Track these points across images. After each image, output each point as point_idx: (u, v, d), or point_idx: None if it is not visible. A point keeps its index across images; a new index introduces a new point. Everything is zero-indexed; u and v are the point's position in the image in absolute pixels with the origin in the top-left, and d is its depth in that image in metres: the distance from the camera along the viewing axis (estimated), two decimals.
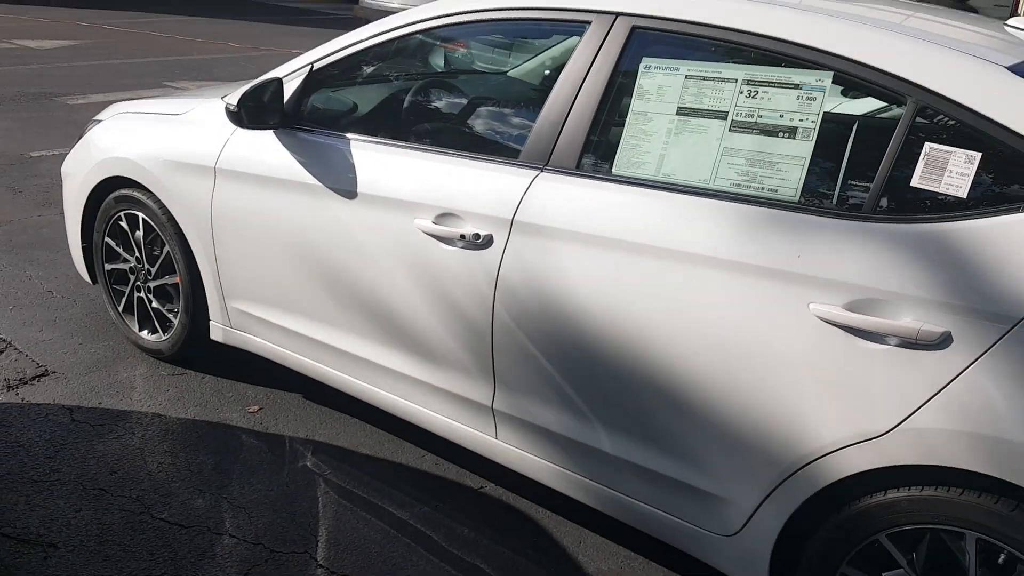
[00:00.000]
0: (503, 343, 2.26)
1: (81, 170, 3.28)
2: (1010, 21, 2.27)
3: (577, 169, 2.16)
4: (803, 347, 1.80)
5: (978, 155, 1.71)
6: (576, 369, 2.15)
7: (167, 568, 2.27)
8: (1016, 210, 1.66)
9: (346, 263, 2.53)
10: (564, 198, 2.14)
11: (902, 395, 1.70)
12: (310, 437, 2.90)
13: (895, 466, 1.73)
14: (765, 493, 1.92)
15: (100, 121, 3.32)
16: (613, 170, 2.13)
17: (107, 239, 3.29)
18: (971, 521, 1.68)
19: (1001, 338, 1.61)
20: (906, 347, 1.69)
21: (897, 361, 1.71)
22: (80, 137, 3.38)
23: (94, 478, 2.60)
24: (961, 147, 1.73)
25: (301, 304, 2.71)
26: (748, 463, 1.93)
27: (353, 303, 2.57)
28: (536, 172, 2.21)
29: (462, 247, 2.27)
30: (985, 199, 1.70)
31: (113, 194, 3.18)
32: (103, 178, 3.17)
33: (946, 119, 1.76)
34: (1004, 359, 1.61)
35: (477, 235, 2.23)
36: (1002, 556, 1.69)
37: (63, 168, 3.42)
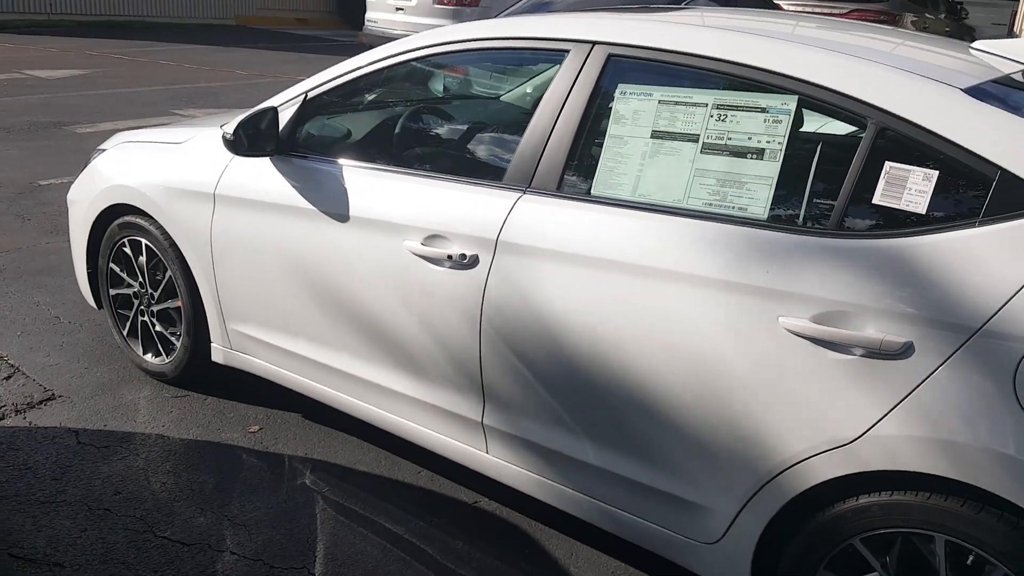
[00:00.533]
0: (491, 359, 2.34)
1: (86, 198, 3.38)
2: (975, 44, 2.34)
3: (558, 191, 2.25)
4: (773, 359, 1.87)
5: (935, 173, 1.79)
6: (560, 384, 2.23)
7: None
8: (971, 225, 1.73)
9: (340, 284, 2.62)
10: (545, 219, 2.22)
11: (868, 403, 1.77)
12: (309, 456, 2.98)
13: (865, 472, 1.80)
14: (743, 501, 1.99)
15: (104, 150, 3.43)
16: (592, 191, 2.21)
17: (111, 265, 3.39)
18: (939, 524, 1.74)
19: (960, 347, 1.68)
20: (871, 357, 1.76)
21: (863, 371, 1.77)
22: (85, 166, 3.48)
23: (99, 498, 2.68)
24: (919, 166, 1.80)
25: (297, 325, 2.80)
26: (726, 472, 2.00)
27: (347, 323, 2.65)
28: (519, 194, 2.30)
29: (449, 267, 2.35)
30: (943, 215, 1.78)
31: (117, 221, 3.28)
32: (107, 205, 3.27)
33: (905, 139, 1.84)
34: (963, 367, 1.68)
35: (463, 255, 2.32)
36: (971, 557, 1.75)
37: (69, 196, 3.52)
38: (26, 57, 12.08)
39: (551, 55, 2.39)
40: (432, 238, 2.39)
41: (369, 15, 11.22)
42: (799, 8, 10.14)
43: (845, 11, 10.18)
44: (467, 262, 2.32)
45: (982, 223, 1.72)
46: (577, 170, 2.25)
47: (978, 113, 1.78)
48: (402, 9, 10.76)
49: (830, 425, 1.82)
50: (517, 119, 3.07)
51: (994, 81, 1.97)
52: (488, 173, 2.47)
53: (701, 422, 2.01)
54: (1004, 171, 1.72)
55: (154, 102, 9.18)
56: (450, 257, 2.34)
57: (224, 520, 2.62)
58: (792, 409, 1.87)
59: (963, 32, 13.27)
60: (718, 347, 1.94)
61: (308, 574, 2.41)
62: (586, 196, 2.21)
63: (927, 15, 11.57)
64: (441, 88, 3.53)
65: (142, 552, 2.46)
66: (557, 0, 7.69)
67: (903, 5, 10.79)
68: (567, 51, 2.33)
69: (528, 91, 3.22)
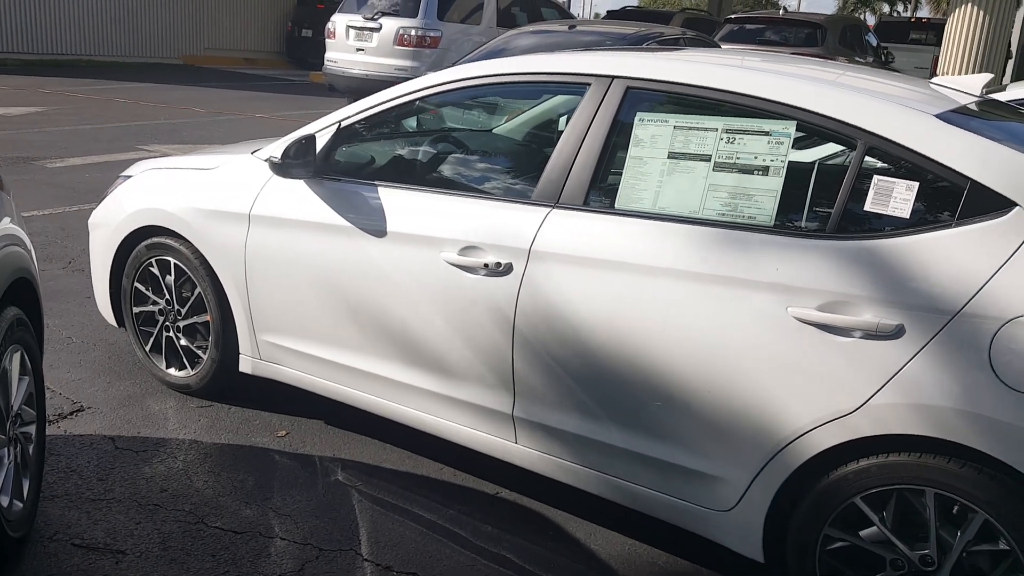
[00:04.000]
0: (522, 356, 2.62)
1: (111, 221, 3.57)
2: (934, 80, 2.75)
3: (585, 205, 2.56)
4: (783, 344, 2.20)
5: (916, 184, 2.15)
6: (588, 376, 2.52)
7: (229, 567, 2.54)
8: (948, 226, 2.09)
9: (375, 294, 2.87)
10: (574, 230, 2.53)
11: (865, 378, 2.10)
12: (337, 456, 3.20)
13: (863, 438, 2.12)
14: (756, 471, 2.29)
15: (129, 176, 3.64)
16: (616, 205, 2.53)
17: (136, 284, 3.58)
18: (929, 479, 2.07)
19: (943, 327, 2.03)
20: (868, 339, 2.10)
21: (861, 351, 2.11)
22: (109, 192, 3.68)
23: (146, 496, 2.86)
24: (903, 178, 2.17)
25: (332, 334, 3.04)
26: (739, 446, 2.30)
27: (382, 330, 2.91)
28: (548, 209, 2.60)
29: (485, 275, 2.64)
30: (924, 219, 2.14)
31: (144, 242, 3.48)
32: (136, 228, 3.47)
33: (890, 157, 2.20)
34: (946, 344, 2.02)
35: (499, 263, 2.61)
36: (956, 507, 2.08)
37: (91, 220, 3.71)
38: None
39: (574, 88, 2.72)
40: (467, 249, 2.67)
41: (329, 55, 11.49)
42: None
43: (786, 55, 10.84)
44: (502, 270, 2.61)
45: (957, 224, 2.08)
46: (601, 187, 2.57)
47: (950, 134, 2.16)
48: (362, 50, 11.07)
49: (832, 399, 2.14)
50: (533, 146, 3.39)
51: (955, 110, 2.36)
52: (517, 192, 2.76)
53: (717, 403, 2.31)
54: (974, 182, 2.09)
55: (119, 138, 9.28)
56: (486, 265, 2.62)
57: (269, 511, 2.82)
58: (799, 388, 2.19)
59: None
60: (734, 336, 2.26)
61: (355, 555, 2.64)
62: (611, 209, 2.52)
63: (856, 59, 12.35)
64: (464, 119, 3.84)
65: (197, 540, 2.65)
66: (513, 47, 8.06)
67: (836, 50, 11.53)
68: (588, 84, 2.66)
69: (534, 123, 3.55)
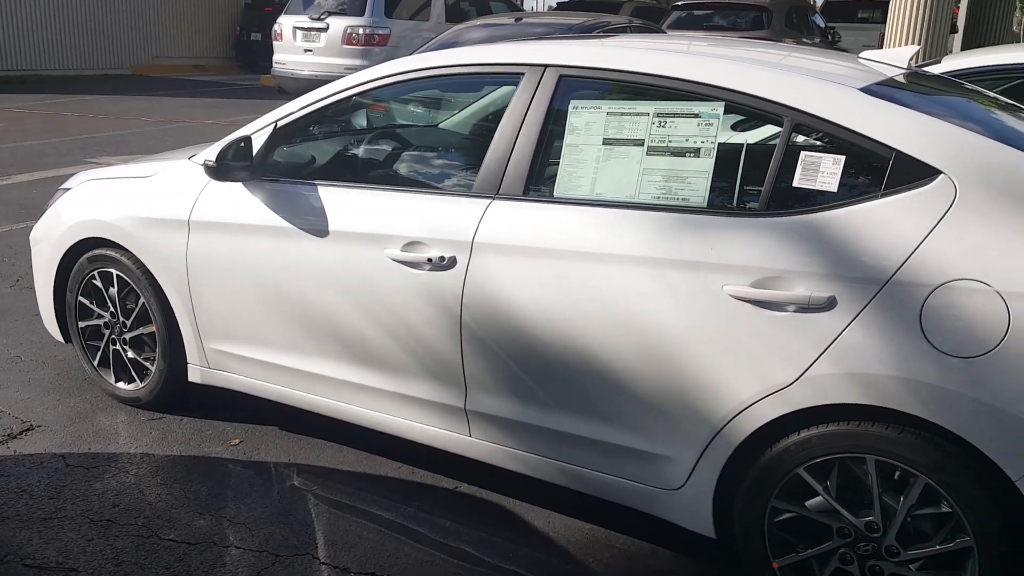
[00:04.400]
0: (471, 349, 2.62)
1: (52, 235, 3.51)
2: (863, 54, 2.78)
3: (524, 195, 2.56)
4: (722, 323, 2.22)
5: (842, 158, 2.18)
6: (534, 364, 2.52)
7: None
8: (875, 197, 2.12)
9: (321, 294, 2.86)
10: (515, 220, 2.53)
11: (803, 351, 2.13)
12: (292, 461, 3.18)
13: (803, 409, 2.15)
14: (702, 448, 2.32)
15: (68, 189, 3.58)
16: (554, 193, 2.53)
17: (81, 298, 3.52)
18: (869, 447, 2.10)
19: (874, 296, 2.06)
20: (802, 312, 2.13)
21: (796, 324, 2.13)
22: (49, 205, 3.62)
23: (98, 511, 2.82)
24: (829, 153, 2.19)
25: (279, 337, 3.01)
26: (684, 425, 2.32)
27: (330, 330, 2.89)
28: (489, 200, 2.60)
29: (429, 269, 2.63)
30: (851, 191, 2.17)
31: (86, 255, 3.43)
32: (76, 240, 3.42)
33: (816, 132, 2.23)
34: (877, 312, 2.05)
35: (443, 257, 2.60)
36: (897, 473, 2.11)
37: (32, 236, 3.65)
38: None
39: (507, 78, 2.72)
40: (411, 245, 2.66)
41: (277, 57, 11.39)
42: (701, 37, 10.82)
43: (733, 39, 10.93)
44: (445, 264, 2.60)
45: (884, 195, 2.11)
46: (540, 176, 2.58)
47: (873, 107, 2.19)
48: (310, 50, 10.99)
49: (770, 373, 2.17)
50: (472, 138, 3.39)
51: (880, 82, 2.40)
52: (458, 185, 2.76)
53: (660, 384, 2.33)
54: (898, 152, 2.12)
55: (66, 152, 9.13)
56: (430, 260, 2.62)
57: (224, 521, 2.80)
58: (738, 364, 2.21)
59: None
60: (673, 318, 2.28)
61: (312, 558, 2.62)
62: (550, 198, 2.53)
63: (804, 40, 12.48)
64: (401, 114, 3.83)
65: (151, 554, 2.62)
66: (460, 42, 8.05)
67: (782, 32, 11.64)
68: (522, 74, 2.66)
69: (486, 111, 3.54)
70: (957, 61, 4.11)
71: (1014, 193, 2.00)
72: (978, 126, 2.22)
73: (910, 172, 2.10)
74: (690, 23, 11.72)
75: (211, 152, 2.98)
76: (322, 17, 10.91)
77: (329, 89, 3.00)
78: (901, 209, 2.08)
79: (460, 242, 2.59)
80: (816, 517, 2.22)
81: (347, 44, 10.73)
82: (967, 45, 14.82)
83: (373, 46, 10.70)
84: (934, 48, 10.96)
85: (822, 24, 14.24)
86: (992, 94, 2.94)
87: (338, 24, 10.82)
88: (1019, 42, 14.05)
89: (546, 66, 2.63)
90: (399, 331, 2.74)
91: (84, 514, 2.80)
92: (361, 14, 10.83)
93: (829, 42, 13.78)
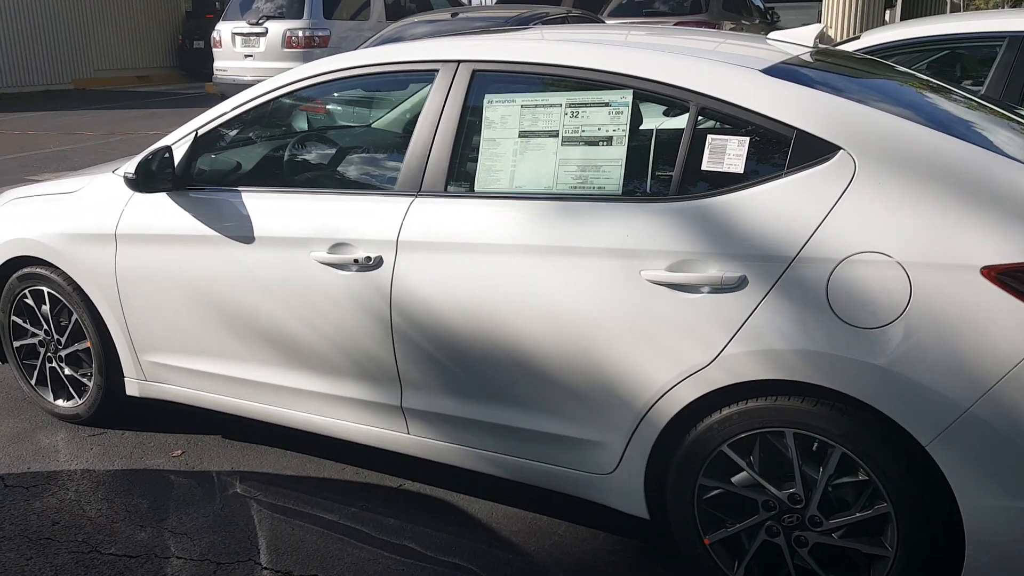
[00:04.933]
0: (403, 347, 2.64)
1: None
2: (771, 35, 2.84)
3: (445, 191, 2.58)
4: (641, 307, 2.26)
5: (747, 139, 2.23)
6: (464, 359, 2.55)
7: None
8: (779, 176, 2.17)
9: (251, 301, 2.85)
10: (436, 217, 2.55)
11: (717, 331, 2.17)
12: (236, 469, 3.17)
13: (721, 388, 2.20)
14: (630, 432, 2.36)
15: None
16: (475, 188, 2.55)
17: (13, 318, 3.48)
18: (787, 420, 2.16)
19: (782, 274, 2.11)
20: (715, 292, 2.17)
21: (711, 305, 2.18)
22: None
23: (38, 531, 2.80)
24: (734, 135, 2.24)
25: (212, 346, 3.01)
26: (612, 410, 2.36)
27: (262, 337, 2.89)
28: (411, 198, 2.62)
29: (356, 270, 2.64)
30: (757, 171, 2.22)
31: (16, 274, 3.39)
32: (5, 260, 3.38)
33: (720, 115, 2.28)
34: (786, 289, 2.10)
35: (368, 258, 2.61)
36: (815, 444, 2.17)
37: None
38: None
39: (422, 75, 2.73)
40: (337, 246, 2.67)
41: (218, 64, 11.28)
42: (626, 24, 10.90)
43: (671, 24, 11.02)
44: (372, 264, 2.62)
45: (787, 173, 2.16)
46: (459, 171, 2.60)
47: (774, 87, 2.24)
48: (251, 56, 10.90)
49: (689, 355, 2.21)
50: (399, 137, 3.40)
51: (784, 62, 2.45)
52: (379, 185, 2.77)
53: (586, 372, 2.37)
54: (799, 130, 2.17)
55: (4, 171, 8.97)
56: (356, 261, 2.63)
57: (165, 532, 2.79)
58: (658, 348, 2.25)
59: None
60: (595, 305, 2.31)
61: (254, 564, 2.63)
62: (470, 192, 2.55)
63: (743, 22, 12.62)
64: (324, 118, 3.83)
65: (91, 569, 2.61)
66: (396, 40, 8.05)
67: (720, 15, 11.76)
68: (436, 70, 2.68)
69: (406, 111, 3.56)
70: (875, 36, 4.20)
71: (910, 165, 2.06)
72: (878, 101, 2.29)
73: (811, 150, 2.15)
74: (630, 10, 11.80)
75: (131, 164, 2.96)
76: (261, 22, 10.82)
77: (247, 95, 2.99)
78: (804, 186, 2.13)
79: (385, 241, 2.60)
80: (742, 492, 2.27)
81: (287, 47, 10.66)
82: (905, 18, 15.08)
83: (314, 48, 10.63)
84: (870, 23, 11.13)
85: (761, 5, 14.39)
86: (901, 68, 3.02)
87: (277, 28, 10.74)
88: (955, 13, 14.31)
89: (459, 62, 2.65)
90: (332, 333, 2.75)
91: (23, 534, 2.78)
92: (300, 16, 10.76)
93: (768, 23, 13.93)
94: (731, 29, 11.82)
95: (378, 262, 2.61)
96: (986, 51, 3.83)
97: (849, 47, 4.26)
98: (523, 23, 7.72)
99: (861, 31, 10.02)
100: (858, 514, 2.14)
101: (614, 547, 2.68)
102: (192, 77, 20.55)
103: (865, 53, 4.12)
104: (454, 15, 7.98)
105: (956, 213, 1.99)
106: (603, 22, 9.63)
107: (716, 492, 2.31)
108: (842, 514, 2.16)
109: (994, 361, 1.92)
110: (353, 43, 10.66)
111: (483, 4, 16.22)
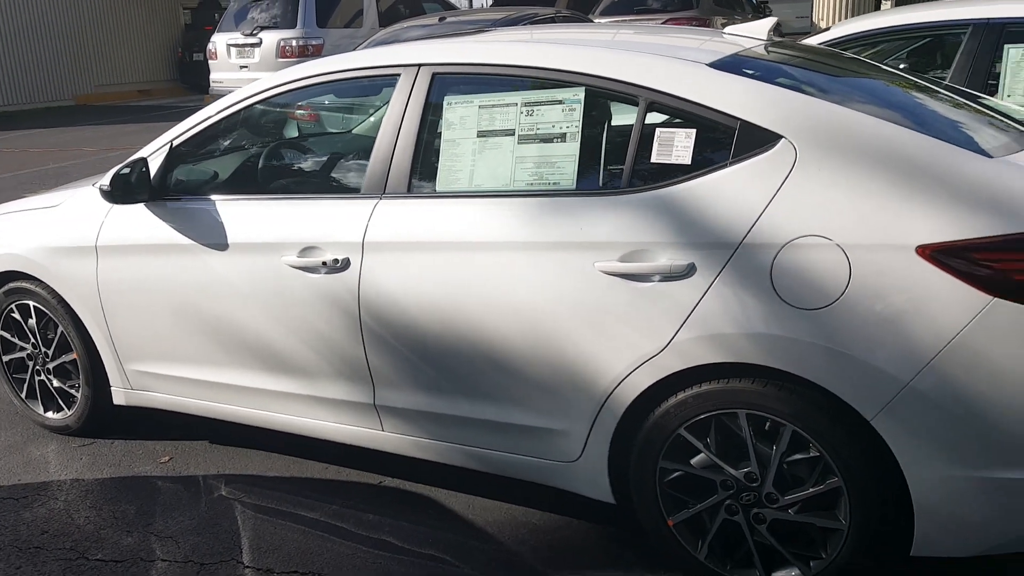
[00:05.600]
0: (373, 346, 2.70)
1: None
2: (727, 29, 2.89)
3: (408, 192, 2.65)
4: (596, 298, 2.32)
5: (694, 131, 2.28)
6: (431, 355, 2.61)
7: None
8: (725, 166, 2.23)
9: (228, 307, 2.92)
10: (400, 217, 2.62)
11: (669, 318, 2.23)
12: (221, 472, 3.25)
13: (675, 373, 2.25)
14: (592, 420, 2.41)
15: None
16: (436, 188, 2.62)
17: (1, 332, 3.56)
18: (739, 402, 2.21)
19: (729, 260, 2.17)
20: (665, 281, 2.23)
21: (662, 293, 2.24)
22: None
23: (27, 540, 2.88)
24: (682, 127, 2.30)
25: (194, 353, 3.08)
26: (573, 400, 2.42)
27: (240, 341, 2.96)
28: (376, 200, 2.68)
29: (326, 273, 2.71)
30: (703, 162, 2.27)
31: (2, 289, 3.48)
32: None
33: (668, 108, 2.33)
34: (733, 274, 2.16)
35: (336, 260, 2.68)
36: (767, 424, 2.23)
37: None
38: None
39: (385, 80, 2.80)
40: (307, 250, 2.74)
41: (214, 76, 11.39)
42: (617, 22, 10.95)
43: (661, 20, 11.06)
44: (340, 266, 2.68)
45: (732, 163, 2.22)
46: (422, 172, 2.66)
47: (719, 80, 2.29)
48: (246, 66, 11.00)
49: (643, 342, 2.27)
50: (362, 141, 3.47)
51: (735, 55, 2.50)
52: (347, 188, 2.84)
53: (547, 363, 2.43)
54: (743, 121, 2.23)
55: (4, 189, 9.09)
56: (324, 264, 2.70)
57: (151, 536, 2.86)
58: (614, 337, 2.31)
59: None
60: (552, 298, 2.37)
61: (237, 563, 2.70)
62: (432, 193, 2.61)
63: (736, 16, 12.65)
64: (293, 127, 3.90)
65: (79, 575, 2.68)
66: (401, 41, 8.12)
67: (711, 10, 11.80)
68: (398, 75, 2.75)
69: (367, 118, 3.63)
70: (845, 27, 4.24)
71: (848, 150, 2.12)
72: (822, 90, 2.34)
73: (754, 139, 2.21)
74: (621, 8, 11.85)
75: (106, 177, 3.04)
76: (255, 32, 10.93)
77: (220, 104, 3.07)
78: (748, 175, 2.19)
79: (351, 243, 2.67)
80: (701, 473, 2.33)
81: (282, 57, 10.75)
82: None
83: (308, 57, 10.72)
84: (862, 13, 11.15)
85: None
86: (850, 56, 3.06)
87: (271, 38, 10.84)
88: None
89: (420, 65, 2.71)
90: (306, 336, 2.82)
91: (13, 544, 2.86)
92: (293, 26, 10.86)
93: (761, 16, 13.95)
94: (722, 24, 11.85)
95: (345, 264, 2.68)
96: (951, 39, 3.87)
97: (819, 38, 4.31)
98: (511, 24, 7.79)
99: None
100: (811, 489, 2.19)
101: (587, 533, 2.74)
102: (193, 89, 20.71)
103: (835, 43, 4.17)
104: (442, 19, 8.05)
105: (893, 196, 2.04)
106: (591, 21, 9.68)
107: (676, 474, 2.36)
108: (796, 490, 2.21)
109: (932, 336, 1.97)
110: (347, 51, 10.74)
111: (484, 7, 16.29)
